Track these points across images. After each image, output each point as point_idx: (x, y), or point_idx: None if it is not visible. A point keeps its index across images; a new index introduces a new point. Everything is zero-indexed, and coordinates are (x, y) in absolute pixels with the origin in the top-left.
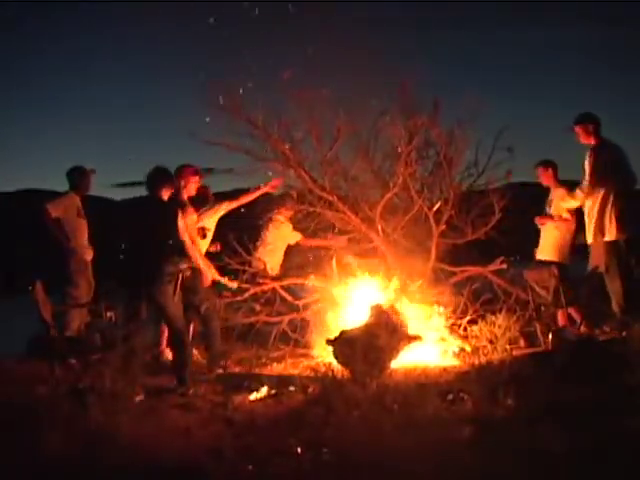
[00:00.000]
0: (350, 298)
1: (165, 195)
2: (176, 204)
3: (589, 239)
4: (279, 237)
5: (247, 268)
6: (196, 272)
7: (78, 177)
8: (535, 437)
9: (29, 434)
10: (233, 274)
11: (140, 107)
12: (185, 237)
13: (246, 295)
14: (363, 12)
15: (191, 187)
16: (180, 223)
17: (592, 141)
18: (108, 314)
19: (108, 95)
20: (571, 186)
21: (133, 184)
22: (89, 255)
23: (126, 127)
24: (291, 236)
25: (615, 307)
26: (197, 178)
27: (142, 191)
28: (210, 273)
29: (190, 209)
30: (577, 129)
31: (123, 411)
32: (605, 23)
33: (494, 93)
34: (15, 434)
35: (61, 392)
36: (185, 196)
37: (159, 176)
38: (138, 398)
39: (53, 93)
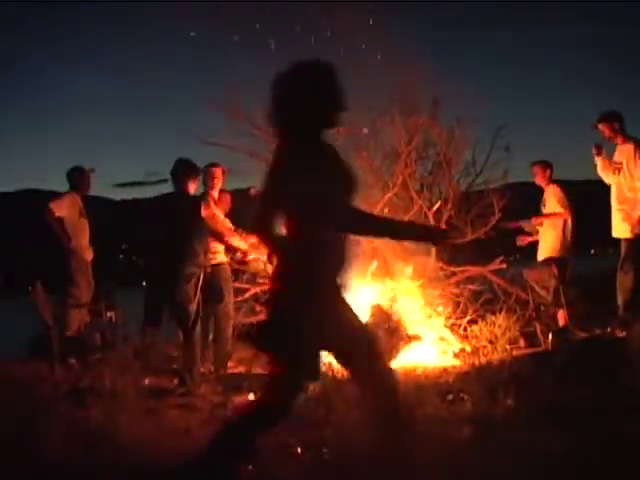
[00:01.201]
0: (350, 298)
1: (192, 189)
2: (201, 199)
3: (615, 233)
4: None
5: (246, 268)
6: (219, 270)
7: (78, 177)
8: (535, 437)
9: (29, 434)
10: (233, 274)
11: (140, 107)
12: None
13: (246, 295)
14: (363, 12)
15: (219, 186)
16: (205, 216)
17: (618, 139)
18: (108, 314)
19: (108, 95)
20: (564, 185)
21: (133, 184)
22: (89, 255)
23: (126, 127)
24: None
25: (620, 302)
26: (221, 176)
27: (142, 191)
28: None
29: (218, 208)
30: (602, 126)
31: (123, 411)
32: (605, 23)
33: (494, 93)
34: (15, 434)
35: (61, 392)
36: (215, 195)
37: (184, 169)
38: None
39: (53, 93)
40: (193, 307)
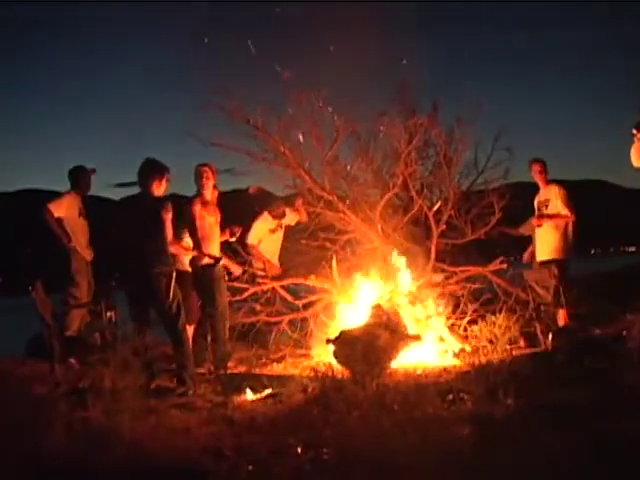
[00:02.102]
0: (350, 298)
1: (156, 189)
2: (164, 200)
3: None
4: (266, 232)
5: (247, 268)
6: (210, 271)
7: (79, 176)
8: (535, 437)
9: (29, 434)
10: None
11: (141, 107)
12: (169, 233)
13: (246, 295)
14: (363, 12)
15: (211, 185)
16: (167, 219)
17: None
18: (108, 314)
19: (109, 95)
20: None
21: (133, 184)
22: (90, 255)
23: (126, 127)
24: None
25: None
26: (207, 175)
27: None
28: (204, 257)
29: (212, 207)
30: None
31: (123, 411)
32: (605, 23)
33: (494, 93)
34: (15, 434)
35: (61, 392)
36: (207, 194)
37: (147, 169)
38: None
39: (54, 93)
40: (171, 305)
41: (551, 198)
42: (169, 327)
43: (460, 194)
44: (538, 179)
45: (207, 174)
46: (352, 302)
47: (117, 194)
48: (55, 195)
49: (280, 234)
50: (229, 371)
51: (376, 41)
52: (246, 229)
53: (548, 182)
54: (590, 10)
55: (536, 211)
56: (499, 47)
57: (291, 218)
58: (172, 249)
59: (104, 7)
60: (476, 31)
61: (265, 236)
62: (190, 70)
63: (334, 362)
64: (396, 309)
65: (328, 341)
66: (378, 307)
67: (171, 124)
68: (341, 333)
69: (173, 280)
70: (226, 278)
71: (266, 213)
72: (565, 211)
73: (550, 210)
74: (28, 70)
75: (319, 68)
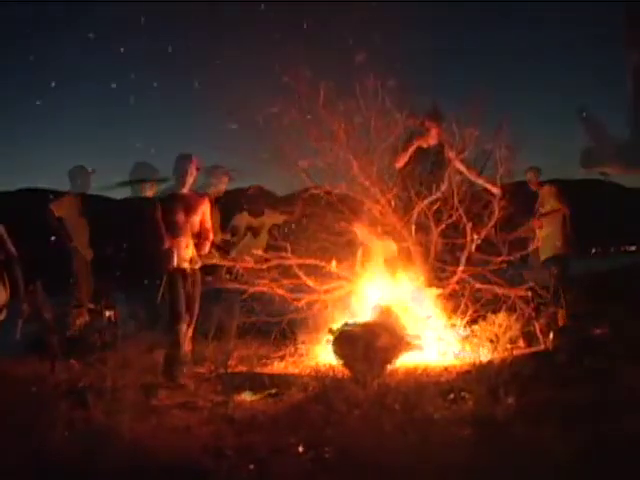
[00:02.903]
0: (350, 298)
1: (149, 191)
2: (154, 202)
3: None
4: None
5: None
6: (215, 270)
7: (79, 176)
8: (535, 437)
9: (30, 434)
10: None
11: (140, 107)
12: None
13: (245, 295)
14: (363, 12)
15: (221, 187)
16: (159, 218)
17: None
18: (108, 314)
19: (109, 94)
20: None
21: (131, 182)
22: (90, 255)
23: (126, 127)
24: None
25: None
26: (227, 179)
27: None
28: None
29: (215, 208)
30: None
31: (123, 411)
32: (605, 24)
33: (494, 93)
34: (16, 434)
35: (61, 392)
36: (214, 194)
37: (137, 173)
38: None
39: (54, 93)
40: (163, 304)
41: (545, 198)
42: (165, 327)
43: (460, 194)
44: (533, 185)
45: (225, 179)
46: (352, 302)
47: (116, 194)
48: (55, 194)
49: (264, 233)
50: (230, 370)
51: (377, 41)
52: None
53: (542, 184)
54: (591, 9)
55: (536, 213)
56: (499, 45)
57: (276, 217)
58: (167, 245)
59: (103, 5)
60: (476, 29)
61: (246, 235)
62: (191, 69)
63: (334, 362)
64: (396, 309)
65: (329, 340)
66: (379, 307)
67: (172, 124)
68: (341, 332)
69: (165, 278)
70: (227, 278)
71: (245, 212)
72: (557, 205)
73: (546, 209)
74: (28, 70)
75: (320, 67)
